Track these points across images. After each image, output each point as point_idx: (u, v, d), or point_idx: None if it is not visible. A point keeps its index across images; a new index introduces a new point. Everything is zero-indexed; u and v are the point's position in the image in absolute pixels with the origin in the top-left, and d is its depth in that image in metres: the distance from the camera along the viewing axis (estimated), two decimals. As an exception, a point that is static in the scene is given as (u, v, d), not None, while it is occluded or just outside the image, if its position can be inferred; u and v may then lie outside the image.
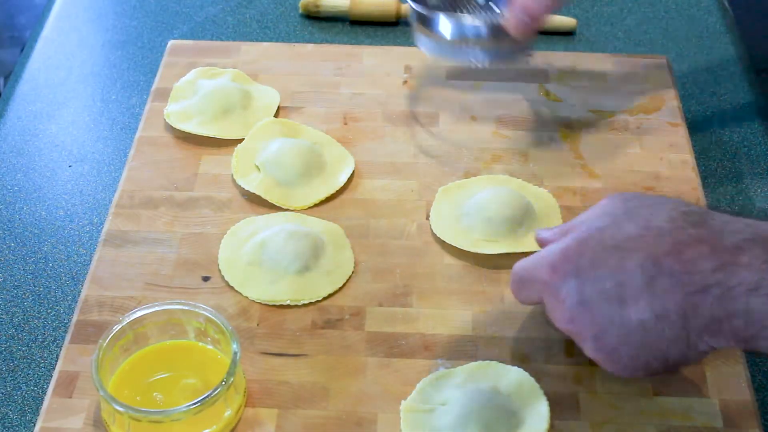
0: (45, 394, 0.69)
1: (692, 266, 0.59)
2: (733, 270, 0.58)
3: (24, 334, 0.75)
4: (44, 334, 0.75)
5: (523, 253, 0.75)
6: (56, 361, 0.72)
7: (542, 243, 0.69)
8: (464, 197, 0.81)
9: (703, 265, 0.58)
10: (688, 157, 0.85)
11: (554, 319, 0.65)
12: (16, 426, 0.69)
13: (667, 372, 0.64)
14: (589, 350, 0.64)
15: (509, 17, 0.79)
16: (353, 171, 0.84)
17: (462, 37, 0.81)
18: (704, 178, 0.87)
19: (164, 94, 0.91)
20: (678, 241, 0.59)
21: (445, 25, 0.81)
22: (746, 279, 0.57)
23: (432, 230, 0.79)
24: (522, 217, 0.78)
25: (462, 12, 0.86)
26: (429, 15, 0.81)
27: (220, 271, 0.76)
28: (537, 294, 0.66)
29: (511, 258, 0.75)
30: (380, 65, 0.94)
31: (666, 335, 0.60)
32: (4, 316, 0.76)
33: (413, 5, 0.83)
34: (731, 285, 0.58)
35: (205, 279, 0.76)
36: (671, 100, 0.91)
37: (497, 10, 0.85)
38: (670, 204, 0.63)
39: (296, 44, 0.98)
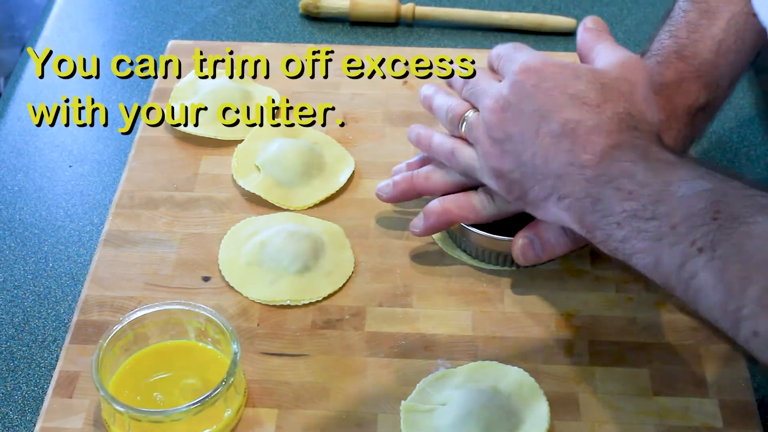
0: (45, 394, 0.69)
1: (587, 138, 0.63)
2: (612, 159, 0.62)
3: (24, 334, 0.75)
4: (44, 334, 0.75)
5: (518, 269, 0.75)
6: (56, 361, 0.72)
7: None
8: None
9: (597, 140, 0.63)
10: (688, 157, 0.85)
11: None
12: (16, 426, 0.69)
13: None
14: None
15: (520, 243, 0.72)
16: (353, 171, 0.84)
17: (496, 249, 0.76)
18: (704, 178, 0.87)
19: (164, 94, 0.91)
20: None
21: (479, 238, 0.75)
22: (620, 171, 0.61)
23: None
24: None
25: None
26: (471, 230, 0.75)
27: (220, 271, 0.76)
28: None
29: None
30: (380, 65, 0.94)
31: (539, 171, 0.65)
32: (4, 316, 0.76)
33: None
34: (610, 175, 0.61)
35: (205, 279, 0.76)
36: (671, 100, 0.91)
37: None
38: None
39: (296, 44, 0.98)
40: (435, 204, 0.74)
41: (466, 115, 0.72)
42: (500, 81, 0.69)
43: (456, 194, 0.74)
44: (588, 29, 0.72)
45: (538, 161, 0.65)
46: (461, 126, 0.72)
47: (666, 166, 0.61)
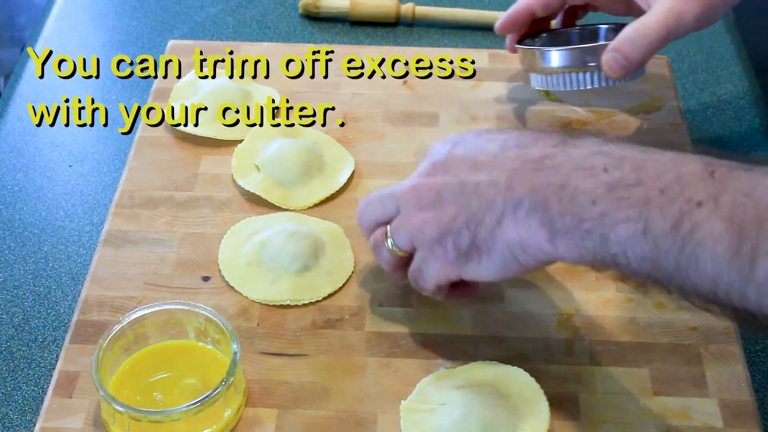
0: (45, 394, 0.69)
1: (539, 141, 0.60)
2: (571, 146, 0.59)
3: (24, 334, 0.75)
4: (44, 334, 0.75)
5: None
6: (56, 361, 0.72)
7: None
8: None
9: (549, 140, 0.60)
10: (688, 157, 0.85)
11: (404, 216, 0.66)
12: (16, 426, 0.69)
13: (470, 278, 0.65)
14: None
15: (605, 58, 0.79)
16: (353, 171, 0.84)
17: (574, 66, 0.82)
18: (704, 178, 0.87)
19: (164, 94, 0.91)
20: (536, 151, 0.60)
21: (556, 57, 0.83)
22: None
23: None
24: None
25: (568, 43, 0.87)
26: (540, 50, 0.83)
27: (220, 271, 0.76)
28: (390, 208, 0.68)
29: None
30: (380, 65, 0.94)
31: (485, 197, 0.60)
32: (4, 316, 0.76)
33: (522, 47, 0.86)
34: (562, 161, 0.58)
35: (205, 279, 0.76)
36: (671, 100, 0.91)
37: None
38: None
39: (296, 44, 0.98)
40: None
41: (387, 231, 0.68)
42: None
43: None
44: None
45: (483, 185, 0.61)
46: (388, 243, 0.68)
47: (639, 148, 0.57)
